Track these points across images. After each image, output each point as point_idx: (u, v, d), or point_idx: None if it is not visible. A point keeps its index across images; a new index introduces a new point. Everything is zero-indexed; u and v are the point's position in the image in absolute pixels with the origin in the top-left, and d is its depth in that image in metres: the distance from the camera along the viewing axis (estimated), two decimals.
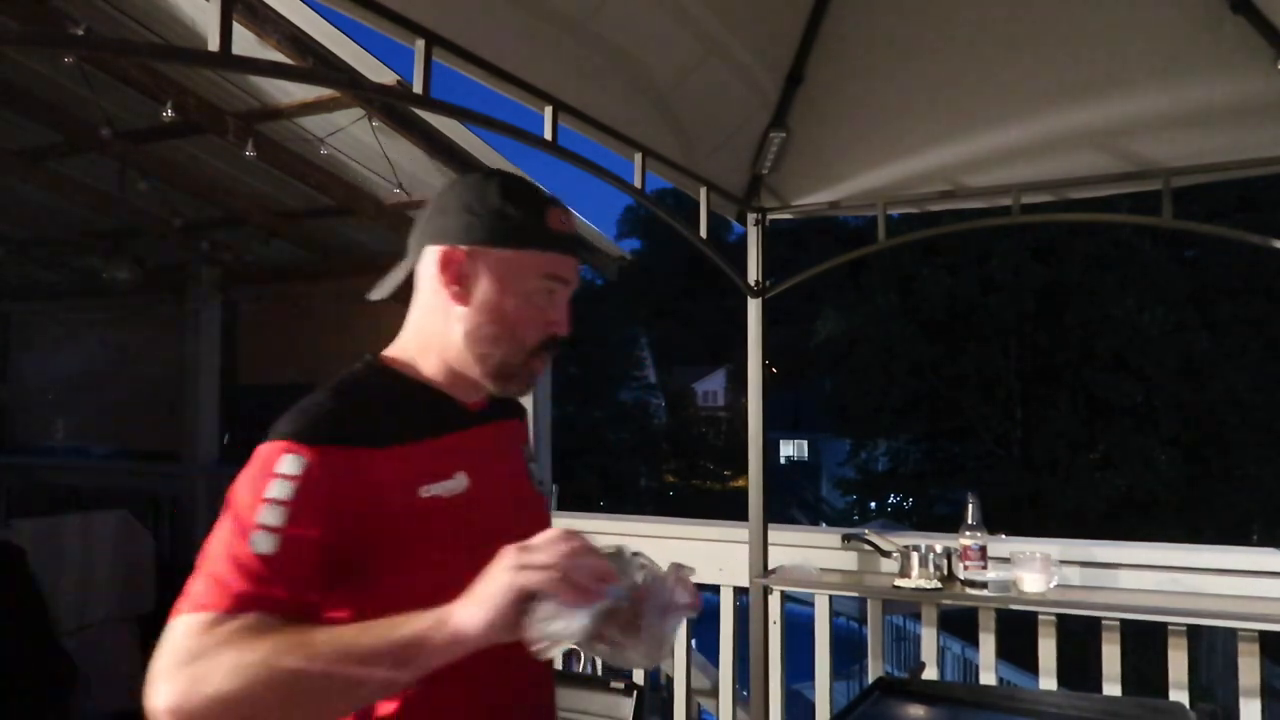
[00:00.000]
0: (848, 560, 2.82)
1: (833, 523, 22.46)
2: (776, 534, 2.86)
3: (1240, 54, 2.11)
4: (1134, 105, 2.33)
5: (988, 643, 2.62)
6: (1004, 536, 2.58)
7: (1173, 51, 2.23)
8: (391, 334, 1.27)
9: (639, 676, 2.42)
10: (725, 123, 2.61)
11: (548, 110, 1.94)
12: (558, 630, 0.91)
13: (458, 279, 1.15)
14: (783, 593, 2.85)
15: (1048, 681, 2.48)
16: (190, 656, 0.93)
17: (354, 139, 3.87)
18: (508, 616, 0.91)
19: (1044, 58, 2.35)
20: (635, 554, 1.01)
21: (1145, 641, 2.42)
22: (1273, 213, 12.56)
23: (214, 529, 1.04)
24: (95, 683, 3.62)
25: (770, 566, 2.79)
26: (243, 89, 3.65)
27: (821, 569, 2.80)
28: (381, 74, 3.04)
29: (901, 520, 17.51)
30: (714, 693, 3.06)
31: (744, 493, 2.87)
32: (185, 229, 5.00)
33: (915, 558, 2.53)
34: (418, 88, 1.63)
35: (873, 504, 19.80)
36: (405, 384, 1.19)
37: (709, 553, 2.98)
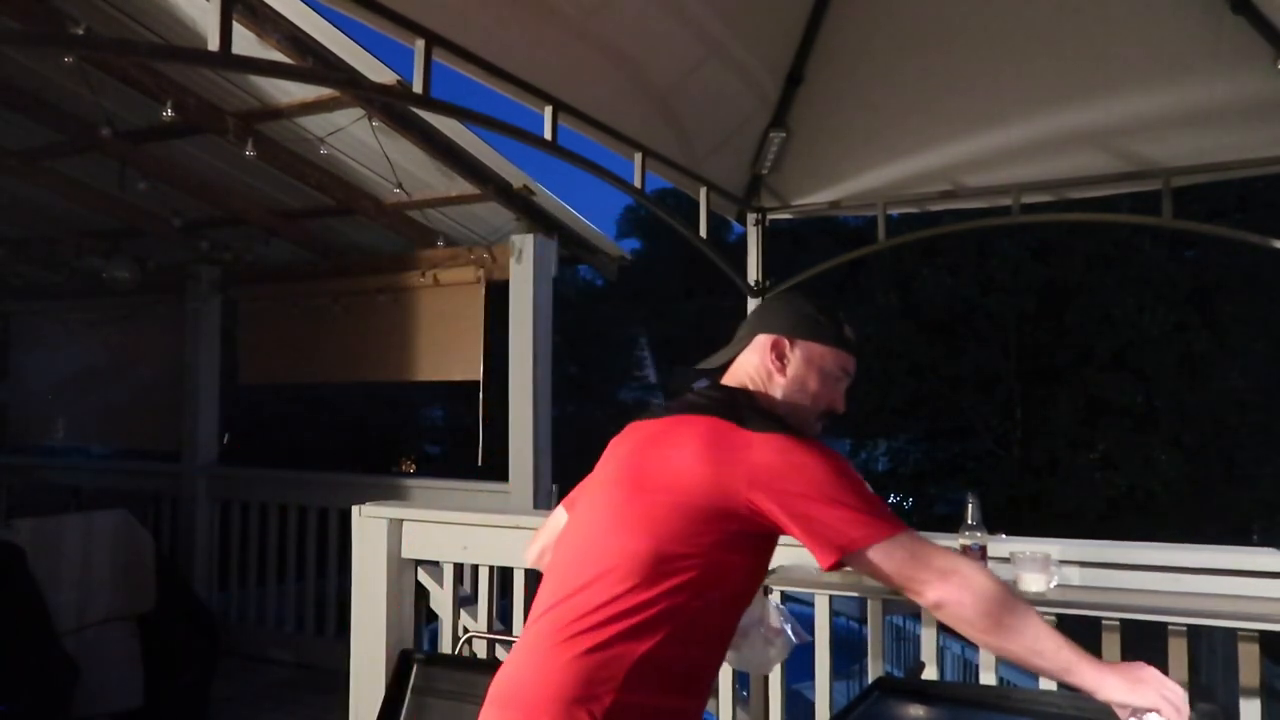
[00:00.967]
0: None
1: None
2: None
3: (1240, 54, 2.11)
4: (1134, 105, 2.33)
5: None
6: (1004, 536, 2.58)
7: (1173, 51, 2.23)
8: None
9: None
10: (725, 123, 2.61)
11: (548, 110, 1.94)
12: None
13: (781, 358, 1.62)
14: (782, 592, 2.85)
15: (1047, 681, 2.48)
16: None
17: (354, 139, 3.87)
18: (1123, 707, 1.34)
19: (1044, 58, 2.35)
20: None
21: (1145, 641, 2.42)
22: (1273, 213, 12.56)
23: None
24: (95, 683, 3.62)
25: (770, 566, 2.78)
26: (243, 89, 3.65)
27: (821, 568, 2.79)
28: (381, 74, 3.04)
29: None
30: (714, 692, 3.06)
31: None
32: (185, 229, 5.00)
33: None
34: (418, 87, 1.63)
35: None
36: None
37: None
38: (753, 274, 2.86)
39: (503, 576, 3.14)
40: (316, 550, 5.05)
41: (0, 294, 6.33)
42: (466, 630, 3.05)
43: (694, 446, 1.46)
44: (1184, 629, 2.30)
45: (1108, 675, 1.34)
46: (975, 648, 1.98)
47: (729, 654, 1.59)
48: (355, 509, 3.17)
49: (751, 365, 1.65)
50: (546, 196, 4.26)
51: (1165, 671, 1.42)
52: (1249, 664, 2.24)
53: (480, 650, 2.99)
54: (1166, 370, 14.27)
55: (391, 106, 3.49)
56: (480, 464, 4.55)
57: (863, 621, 3.06)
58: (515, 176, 4.08)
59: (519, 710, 1.40)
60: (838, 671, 2.84)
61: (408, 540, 3.11)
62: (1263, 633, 2.19)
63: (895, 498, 19.37)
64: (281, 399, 11.69)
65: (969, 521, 2.46)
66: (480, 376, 4.58)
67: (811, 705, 2.85)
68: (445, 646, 3.12)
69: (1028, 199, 2.57)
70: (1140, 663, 1.41)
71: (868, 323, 17.09)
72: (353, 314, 5.05)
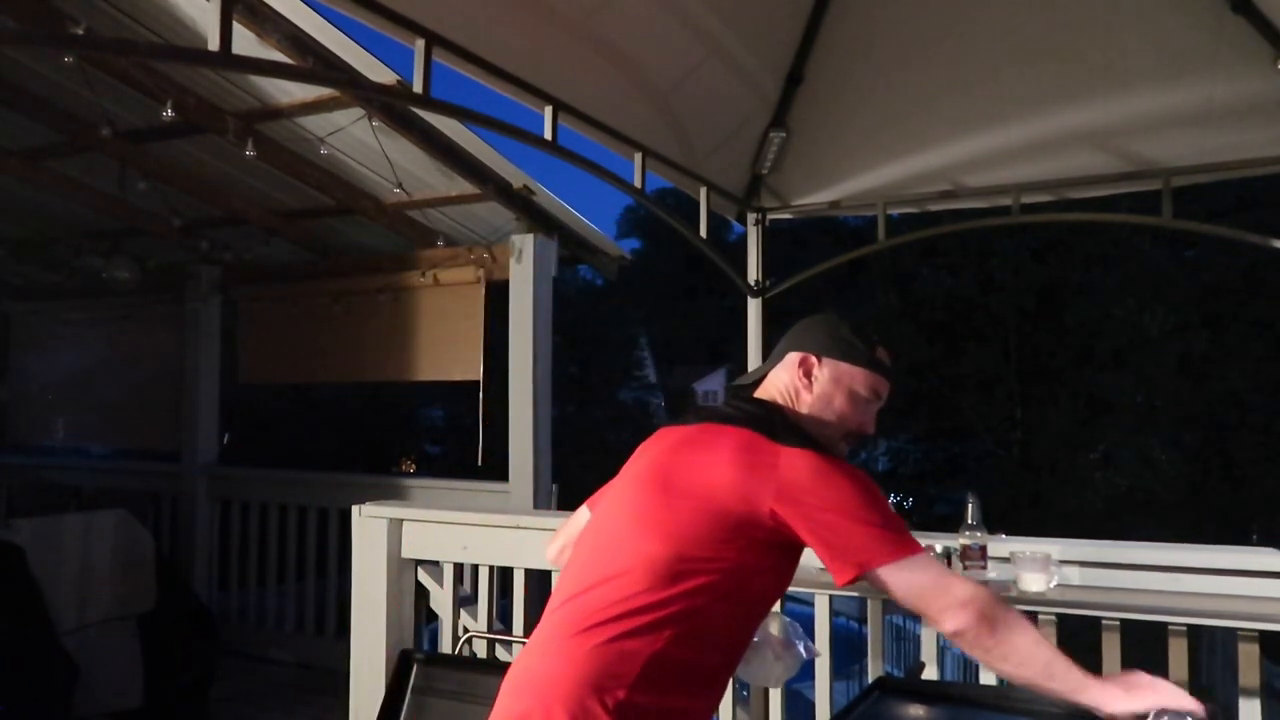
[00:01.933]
0: None
1: None
2: None
3: (1240, 54, 2.11)
4: (1134, 105, 2.33)
5: None
6: (1004, 536, 2.58)
7: (1173, 51, 2.23)
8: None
9: None
10: (725, 123, 2.61)
11: (548, 110, 1.95)
12: None
13: (808, 375, 1.64)
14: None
15: None
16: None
17: (354, 139, 3.87)
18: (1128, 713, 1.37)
19: (1044, 58, 2.35)
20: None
21: (1145, 641, 2.42)
22: (1273, 213, 12.55)
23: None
24: (95, 682, 3.62)
25: None
26: (243, 89, 3.65)
27: (821, 568, 2.79)
28: (381, 74, 3.04)
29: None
30: None
31: None
32: (185, 229, 5.00)
33: None
34: (418, 87, 1.63)
35: None
36: None
37: None
38: (753, 274, 2.86)
39: (503, 576, 3.15)
40: (316, 550, 5.05)
41: (0, 294, 6.34)
42: (466, 630, 3.05)
43: (725, 455, 1.49)
44: (1184, 629, 2.30)
45: (1110, 689, 1.41)
46: None
47: (738, 666, 1.62)
48: (355, 509, 3.17)
49: (782, 382, 1.69)
50: (546, 196, 4.26)
51: (1165, 671, 1.44)
52: (1249, 664, 2.24)
53: (480, 650, 2.99)
54: (1166, 370, 14.25)
55: (391, 106, 3.49)
56: (480, 464, 4.55)
57: (863, 621, 3.06)
58: (515, 176, 4.08)
59: (534, 698, 1.42)
60: (838, 671, 2.84)
61: (408, 540, 3.11)
62: (1263, 633, 2.19)
63: (895, 498, 19.37)
64: (281, 399, 11.70)
65: (969, 521, 2.46)
66: (480, 376, 4.58)
67: (811, 705, 2.85)
68: (445, 646, 3.12)
69: (1027, 199, 2.57)
70: (1135, 670, 1.47)
71: (868, 323, 17.05)
72: (353, 314, 5.05)
